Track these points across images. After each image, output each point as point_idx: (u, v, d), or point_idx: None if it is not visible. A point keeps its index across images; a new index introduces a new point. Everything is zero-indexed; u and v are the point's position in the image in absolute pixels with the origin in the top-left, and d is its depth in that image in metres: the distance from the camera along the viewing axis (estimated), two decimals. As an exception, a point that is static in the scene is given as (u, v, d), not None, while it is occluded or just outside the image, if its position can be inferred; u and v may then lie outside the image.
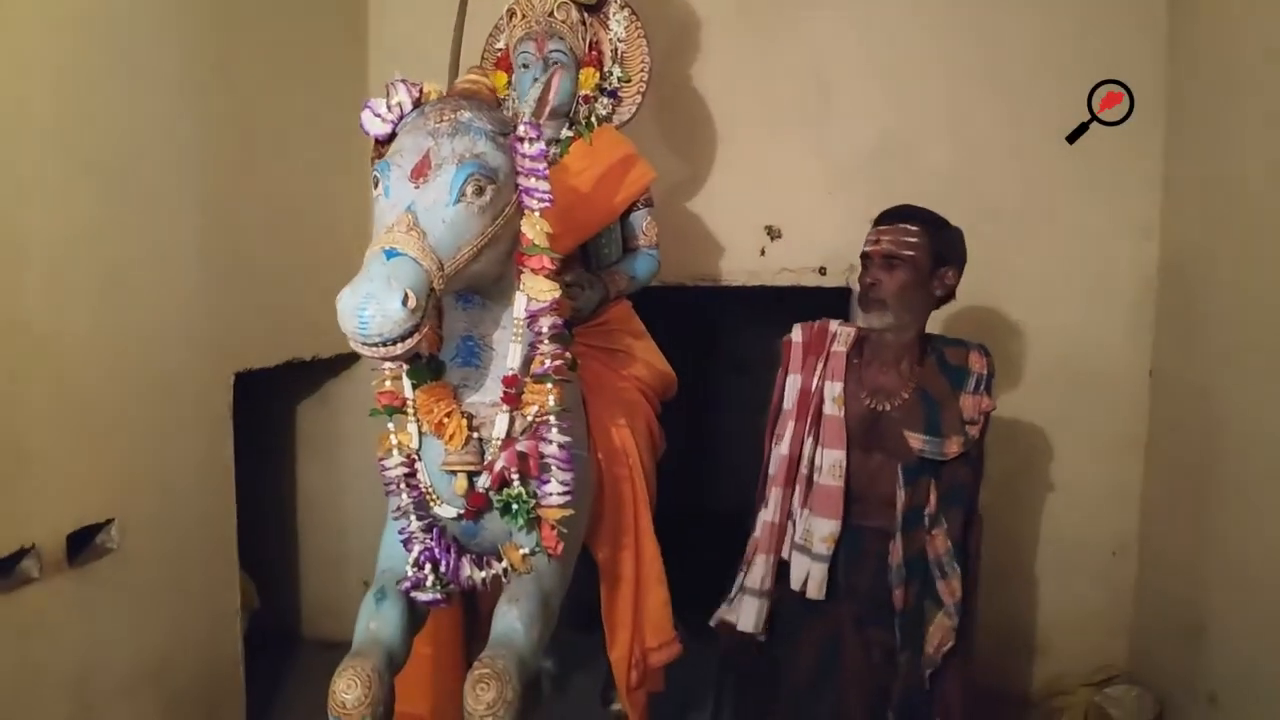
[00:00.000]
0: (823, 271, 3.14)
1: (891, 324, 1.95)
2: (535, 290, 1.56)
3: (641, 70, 2.29)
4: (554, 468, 1.58)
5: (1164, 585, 2.86)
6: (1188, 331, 2.80)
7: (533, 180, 1.53)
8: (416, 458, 1.63)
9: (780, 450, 2.03)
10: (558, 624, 2.32)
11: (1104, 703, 2.81)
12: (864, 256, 2.01)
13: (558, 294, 1.56)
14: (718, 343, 4.33)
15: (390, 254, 1.35)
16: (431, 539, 1.62)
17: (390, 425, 1.64)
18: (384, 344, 1.32)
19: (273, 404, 3.39)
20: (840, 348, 2.03)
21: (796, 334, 2.10)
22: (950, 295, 2.04)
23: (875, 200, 3.04)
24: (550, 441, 1.58)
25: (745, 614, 2.01)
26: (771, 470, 2.06)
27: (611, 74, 2.25)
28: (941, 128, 3.06)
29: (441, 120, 1.47)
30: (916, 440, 1.92)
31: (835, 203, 3.11)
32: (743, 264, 3.18)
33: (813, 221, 3.15)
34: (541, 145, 1.53)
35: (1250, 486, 2.34)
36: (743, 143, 3.13)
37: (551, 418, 1.58)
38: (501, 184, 1.49)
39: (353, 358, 3.36)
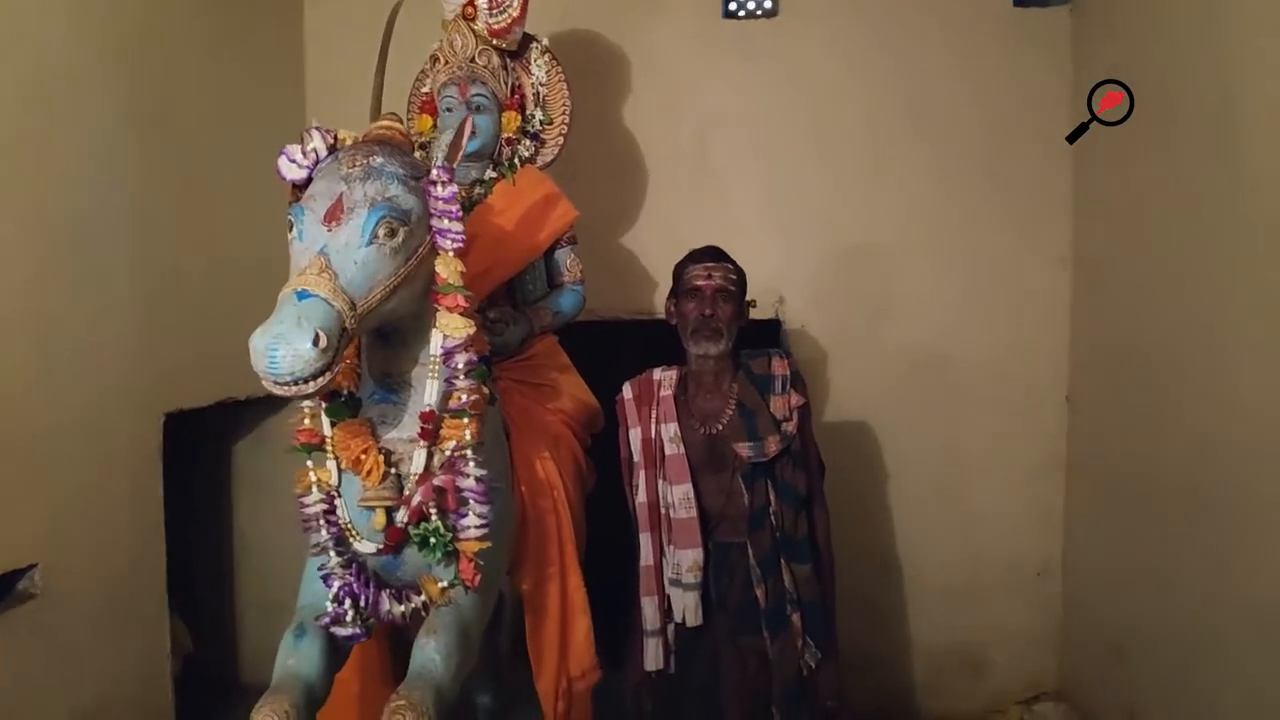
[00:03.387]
0: (753, 304, 3.21)
1: (724, 350, 2.14)
2: (450, 327, 1.60)
3: (563, 113, 2.36)
4: (471, 501, 1.61)
5: (1088, 604, 2.95)
6: (1101, 357, 2.92)
7: (445, 221, 1.58)
8: (336, 494, 1.66)
9: (639, 499, 2.19)
10: (499, 661, 2.36)
11: (1031, 720, 2.89)
12: (693, 290, 2.17)
13: (472, 330, 1.61)
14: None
15: (302, 295, 1.39)
16: (351, 574, 1.63)
17: (309, 462, 1.66)
18: (295, 383, 1.35)
19: (206, 444, 3.37)
20: (667, 391, 2.21)
21: (627, 391, 2.28)
22: (747, 321, 2.25)
23: (803, 235, 3.18)
24: (467, 475, 1.61)
25: (648, 654, 2.13)
26: (637, 518, 2.20)
27: (534, 117, 2.32)
28: (865, 162, 3.18)
29: (354, 165, 1.52)
30: (744, 449, 2.10)
31: (764, 237, 3.20)
32: (676, 298, 3.25)
33: (742, 257, 3.22)
34: (454, 188, 1.58)
35: (1167, 508, 2.44)
36: (674, 180, 3.21)
37: (469, 452, 1.61)
38: (414, 226, 1.53)
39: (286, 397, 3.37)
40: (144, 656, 2.58)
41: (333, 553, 1.63)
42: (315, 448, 1.65)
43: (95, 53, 2.34)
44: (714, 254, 2.19)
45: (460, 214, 1.59)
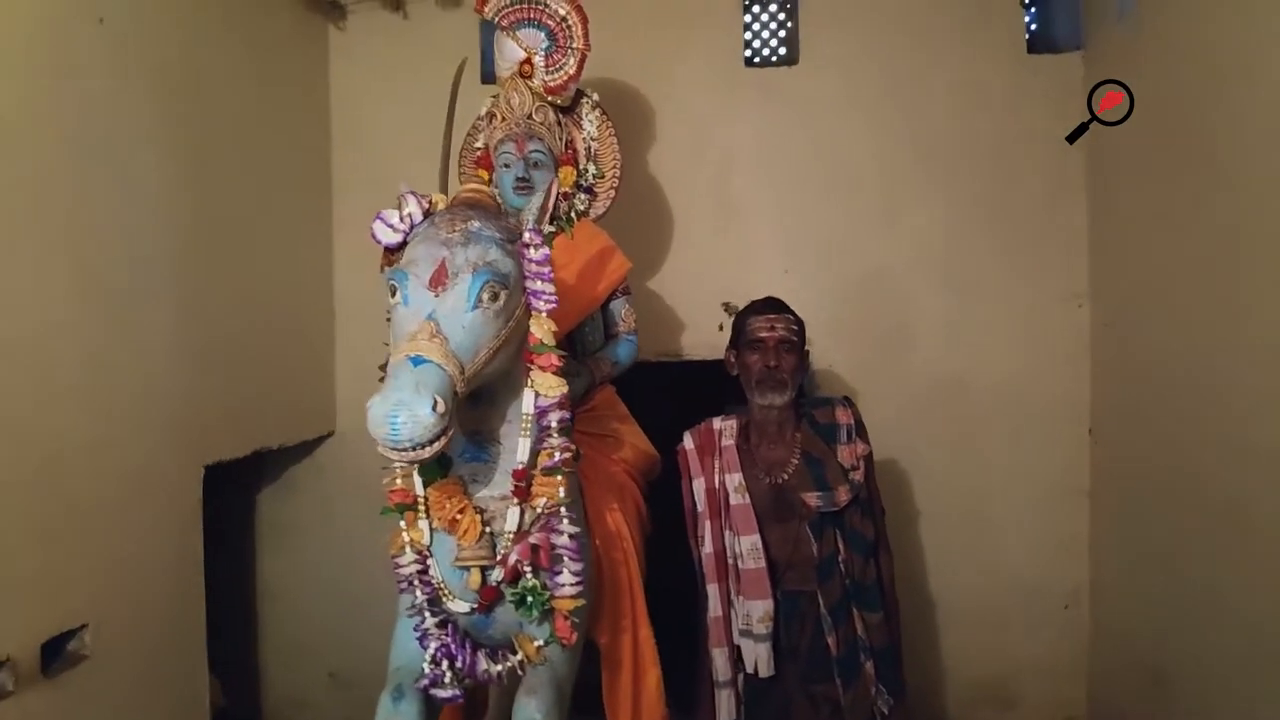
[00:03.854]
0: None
1: (789, 399, 2.18)
2: (545, 387, 1.62)
3: (614, 166, 2.41)
4: (565, 558, 1.63)
5: (1119, 632, 3.00)
6: (1122, 389, 3.00)
7: (539, 283, 1.61)
8: (428, 553, 1.66)
9: (705, 550, 2.22)
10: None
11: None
12: (757, 342, 2.20)
13: (565, 390, 1.63)
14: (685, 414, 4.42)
15: (416, 361, 1.40)
16: (447, 635, 1.64)
17: (402, 523, 1.67)
18: (414, 448, 1.36)
19: (230, 492, 3.34)
20: (729, 441, 2.25)
21: (688, 441, 2.31)
22: (808, 370, 2.31)
23: (825, 275, 3.25)
24: (561, 533, 1.63)
25: (720, 706, 2.16)
26: (703, 569, 2.22)
27: (587, 171, 2.36)
28: (882, 204, 3.26)
29: (454, 230, 1.54)
30: (812, 499, 2.14)
31: (789, 281, 3.27)
32: (703, 339, 3.30)
33: (768, 297, 3.29)
34: (546, 250, 1.61)
35: (1198, 532, 2.49)
36: (701, 227, 3.28)
37: (562, 509, 1.63)
38: (512, 288, 1.56)
39: (315, 444, 3.36)
40: (184, 714, 2.55)
41: (428, 613, 1.63)
42: (409, 507, 1.66)
43: (138, 105, 2.35)
44: (776, 305, 2.24)
45: (552, 275, 1.61)
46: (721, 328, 3.31)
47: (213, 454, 2.69)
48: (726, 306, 3.30)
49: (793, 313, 2.26)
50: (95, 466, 2.19)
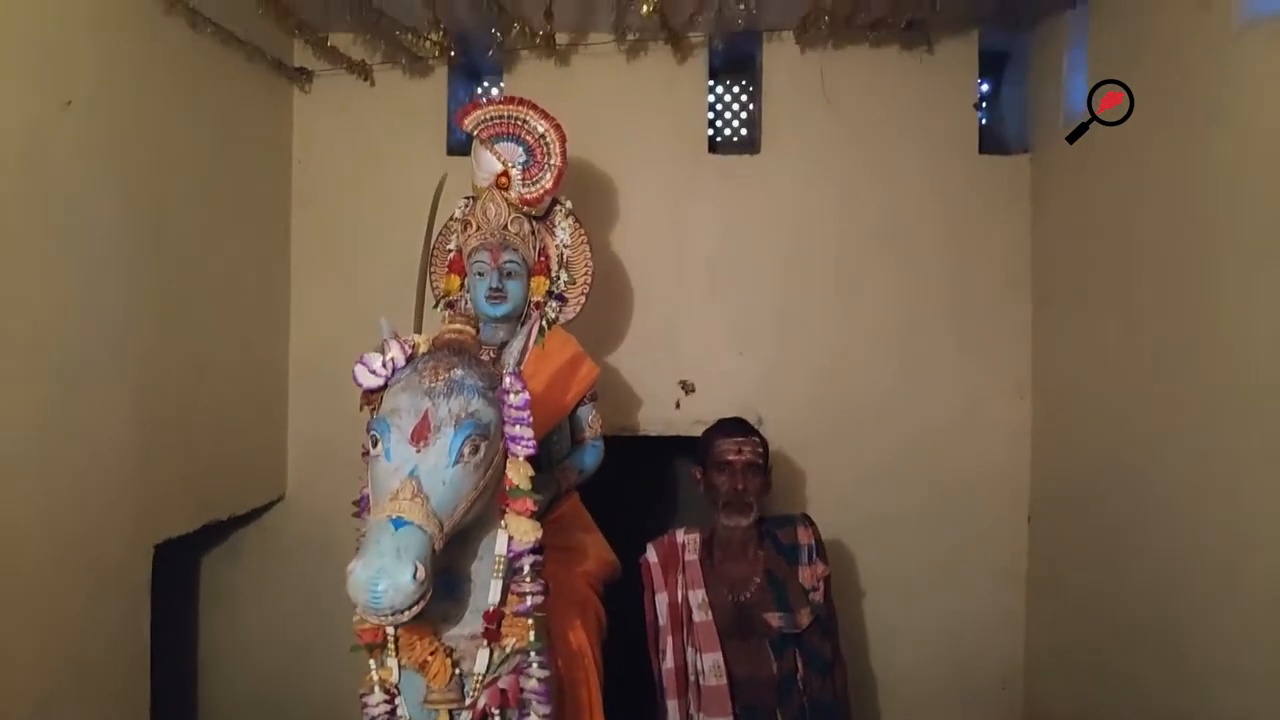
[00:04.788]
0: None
1: (753, 520, 2.25)
2: (519, 531, 1.64)
3: (585, 272, 2.43)
4: (533, 702, 1.65)
5: (1049, 713, 3.12)
6: (1061, 478, 3.12)
7: (518, 428, 1.63)
8: (396, 691, 1.67)
9: (666, 664, 2.26)
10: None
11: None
12: (725, 464, 2.26)
13: (539, 534, 1.66)
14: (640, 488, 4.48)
15: (398, 524, 1.42)
16: (413, 774, 1.65)
17: (371, 662, 1.67)
18: (394, 614, 1.38)
19: (173, 557, 3.28)
20: (692, 556, 2.31)
21: (651, 554, 2.35)
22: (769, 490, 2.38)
23: (779, 359, 3.32)
24: (530, 676, 1.65)
25: None
26: (664, 684, 2.26)
27: (559, 278, 2.38)
28: (837, 290, 3.35)
29: (437, 379, 1.55)
30: (774, 619, 2.20)
31: (743, 360, 3.35)
32: (660, 415, 3.34)
33: (723, 376, 3.36)
34: (526, 395, 1.64)
35: (1126, 623, 2.60)
36: (661, 306, 3.33)
37: (532, 653, 1.65)
38: (492, 437, 1.58)
39: (263, 509, 3.32)
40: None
41: (395, 754, 1.64)
42: (378, 645, 1.66)
43: (100, 181, 2.32)
44: (742, 428, 2.30)
45: (531, 420, 1.64)
46: (678, 405, 3.37)
47: (163, 531, 2.65)
48: (683, 384, 3.36)
49: (758, 434, 2.32)
50: (41, 547, 2.15)
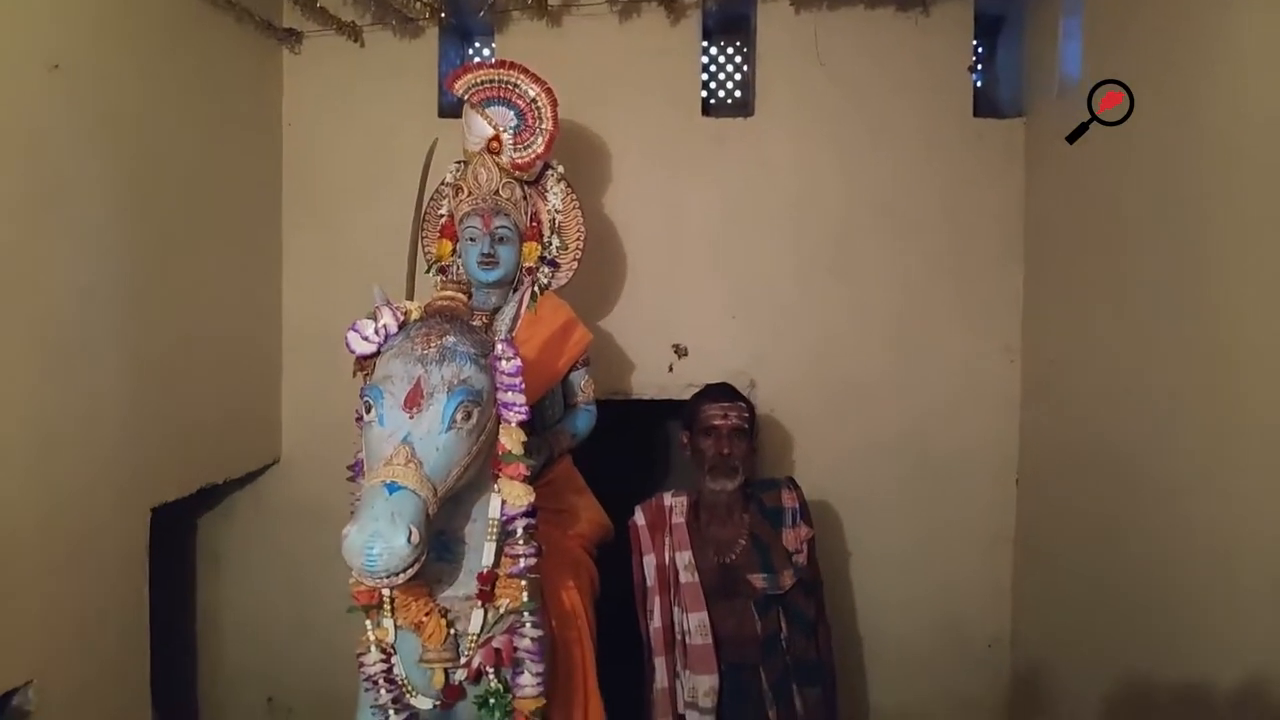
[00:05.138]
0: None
1: (739, 484, 2.28)
2: (513, 496, 1.66)
3: (577, 238, 2.43)
4: (527, 661, 1.69)
5: (1036, 672, 3.19)
6: (1049, 443, 3.16)
7: (510, 395, 1.65)
8: (392, 651, 1.70)
9: (653, 624, 2.31)
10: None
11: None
12: (711, 429, 2.29)
13: (533, 498, 1.68)
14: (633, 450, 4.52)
15: (392, 488, 1.44)
16: (410, 731, 1.69)
17: (367, 622, 1.70)
18: (389, 576, 1.41)
19: (169, 521, 3.31)
20: (679, 518, 2.34)
21: (639, 517, 2.38)
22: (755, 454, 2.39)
23: (773, 322, 3.34)
24: (524, 636, 1.68)
25: None
26: (651, 643, 2.31)
27: (551, 244, 2.38)
28: (831, 254, 3.35)
29: (429, 347, 1.57)
30: (758, 580, 2.24)
31: (736, 325, 3.35)
32: (653, 379, 3.36)
33: (716, 341, 3.37)
34: (518, 362, 1.65)
35: (1112, 587, 2.64)
36: (653, 269, 3.33)
37: (525, 613, 1.69)
38: (485, 404, 1.60)
39: (259, 472, 3.34)
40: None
41: (392, 711, 1.68)
42: (375, 607, 1.69)
43: (89, 146, 2.30)
44: (729, 393, 2.32)
45: (523, 387, 1.65)
46: (671, 368, 3.38)
47: (159, 495, 2.67)
48: (676, 348, 3.37)
49: (744, 399, 2.34)
50: (39, 515, 2.17)
